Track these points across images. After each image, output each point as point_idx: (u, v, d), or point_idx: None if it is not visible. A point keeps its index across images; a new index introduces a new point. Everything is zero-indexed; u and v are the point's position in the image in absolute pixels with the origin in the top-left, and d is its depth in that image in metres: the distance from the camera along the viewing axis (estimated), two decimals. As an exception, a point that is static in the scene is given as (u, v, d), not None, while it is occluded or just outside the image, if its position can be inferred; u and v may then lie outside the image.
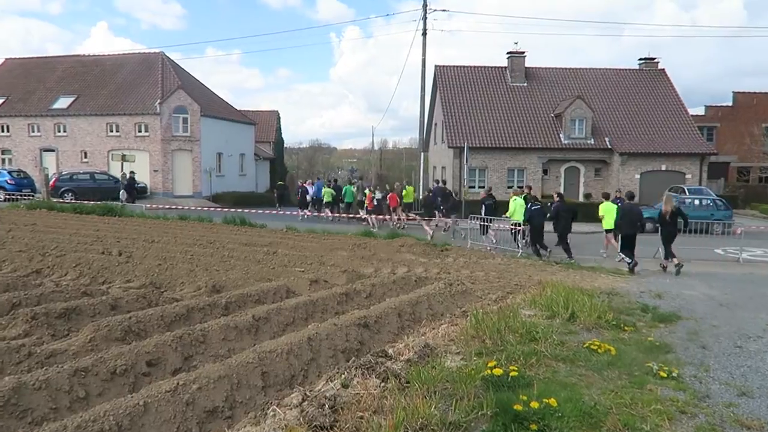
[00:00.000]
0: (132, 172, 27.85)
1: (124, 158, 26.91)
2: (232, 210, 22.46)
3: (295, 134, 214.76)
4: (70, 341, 5.76)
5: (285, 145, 62.02)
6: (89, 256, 11.22)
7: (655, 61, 37.33)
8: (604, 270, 13.09)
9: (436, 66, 36.88)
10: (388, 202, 22.49)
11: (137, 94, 34.94)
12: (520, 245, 15.92)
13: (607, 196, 16.29)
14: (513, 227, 16.37)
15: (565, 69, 37.18)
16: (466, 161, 25.84)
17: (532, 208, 15.87)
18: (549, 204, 16.68)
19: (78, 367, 4.65)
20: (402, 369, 4.71)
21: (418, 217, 21.79)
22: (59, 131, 35.00)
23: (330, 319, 6.66)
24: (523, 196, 17.09)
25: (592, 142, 32.21)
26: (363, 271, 11.22)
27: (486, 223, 17.35)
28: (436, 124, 38.81)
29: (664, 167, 31.61)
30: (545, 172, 32.66)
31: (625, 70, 37.23)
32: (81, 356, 5.27)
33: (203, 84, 41.01)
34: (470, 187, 29.15)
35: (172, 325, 6.47)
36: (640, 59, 37.73)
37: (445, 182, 23.81)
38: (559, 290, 8.23)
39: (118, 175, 28.22)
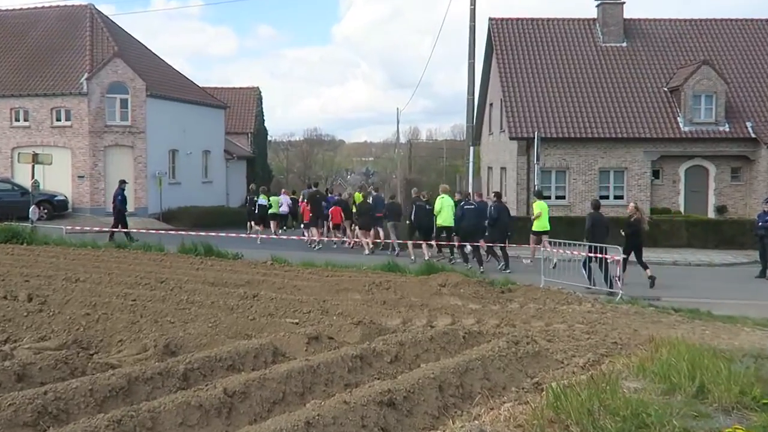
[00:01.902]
0: (36, 181, 26.72)
1: (35, 159, 27.34)
2: (192, 233, 22.67)
3: (283, 122, 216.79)
4: (-41, 427, 5.85)
5: (269, 138, 62.89)
6: (-14, 301, 11.39)
7: (821, 6, 37.16)
8: (749, 321, 12.92)
9: (490, 19, 37.15)
10: (330, 215, 24.59)
11: (55, 66, 35.73)
12: (620, 282, 15.96)
13: (539, 194, 21.78)
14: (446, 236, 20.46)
15: (683, 20, 37.14)
16: (537, 159, 25.91)
17: (465, 206, 19.53)
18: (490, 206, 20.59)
19: (-29, 465, 4.72)
20: (446, 469, 4.70)
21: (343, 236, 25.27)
22: (-57, 121, 35.86)
23: (338, 394, 6.68)
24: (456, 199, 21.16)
25: (727, 129, 31.98)
26: (386, 323, 11.23)
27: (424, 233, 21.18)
28: (491, 105, 38.96)
29: (836, 165, 31.26)
30: (656, 174, 32.47)
31: (775, 20, 37.07)
32: (-25, 449, 5.35)
33: (150, 50, 41.82)
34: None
35: (106, 403, 6.54)
36: (798, 4, 37.51)
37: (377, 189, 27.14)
38: (681, 351, 8.13)
39: (27, 183, 28.64)
